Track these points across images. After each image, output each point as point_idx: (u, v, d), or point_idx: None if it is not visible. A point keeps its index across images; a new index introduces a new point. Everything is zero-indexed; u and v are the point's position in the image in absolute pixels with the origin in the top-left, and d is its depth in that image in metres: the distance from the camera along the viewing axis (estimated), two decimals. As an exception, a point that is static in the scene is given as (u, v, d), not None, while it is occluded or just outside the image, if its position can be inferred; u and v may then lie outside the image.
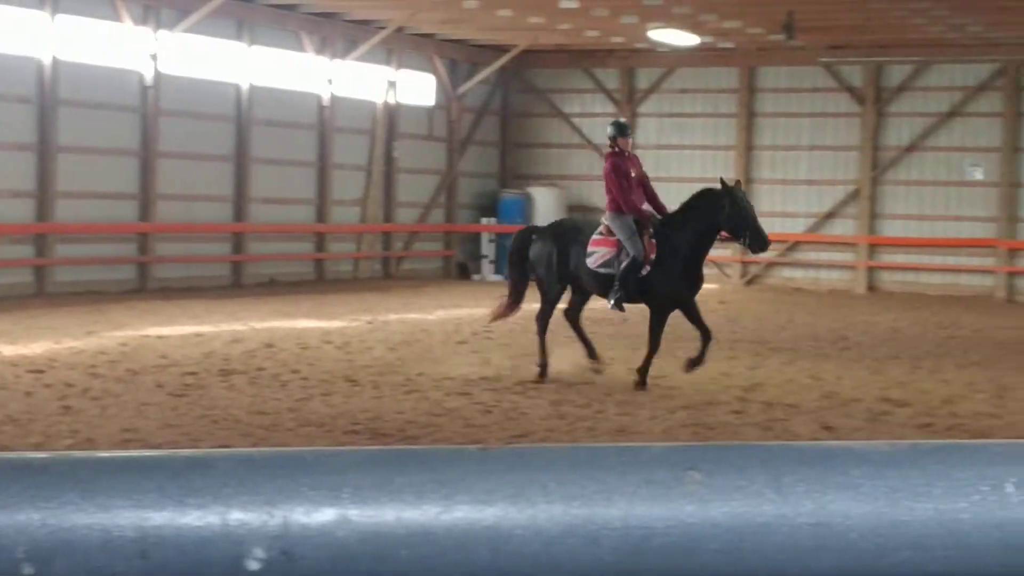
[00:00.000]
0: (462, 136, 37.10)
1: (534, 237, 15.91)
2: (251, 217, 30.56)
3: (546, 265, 15.53)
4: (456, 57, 36.27)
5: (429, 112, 36.12)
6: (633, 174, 14.96)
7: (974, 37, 31.57)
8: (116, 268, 27.61)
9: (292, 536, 1.71)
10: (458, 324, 22.15)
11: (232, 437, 11.44)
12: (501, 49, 35.57)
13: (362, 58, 32.74)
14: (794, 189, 34.67)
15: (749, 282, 34.63)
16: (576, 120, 37.73)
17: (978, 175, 33.59)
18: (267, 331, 19.94)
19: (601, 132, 37.31)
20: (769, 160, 35.16)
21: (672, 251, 14.70)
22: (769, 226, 16.91)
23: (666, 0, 27.54)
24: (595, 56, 36.70)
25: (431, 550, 1.74)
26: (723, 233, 14.78)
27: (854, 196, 34.62)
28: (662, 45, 34.17)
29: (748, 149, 35.56)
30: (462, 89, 36.54)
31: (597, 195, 37.46)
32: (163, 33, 27.75)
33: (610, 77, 37.26)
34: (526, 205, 36.45)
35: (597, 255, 15.03)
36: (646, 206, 14.96)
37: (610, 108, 37.24)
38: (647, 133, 36.46)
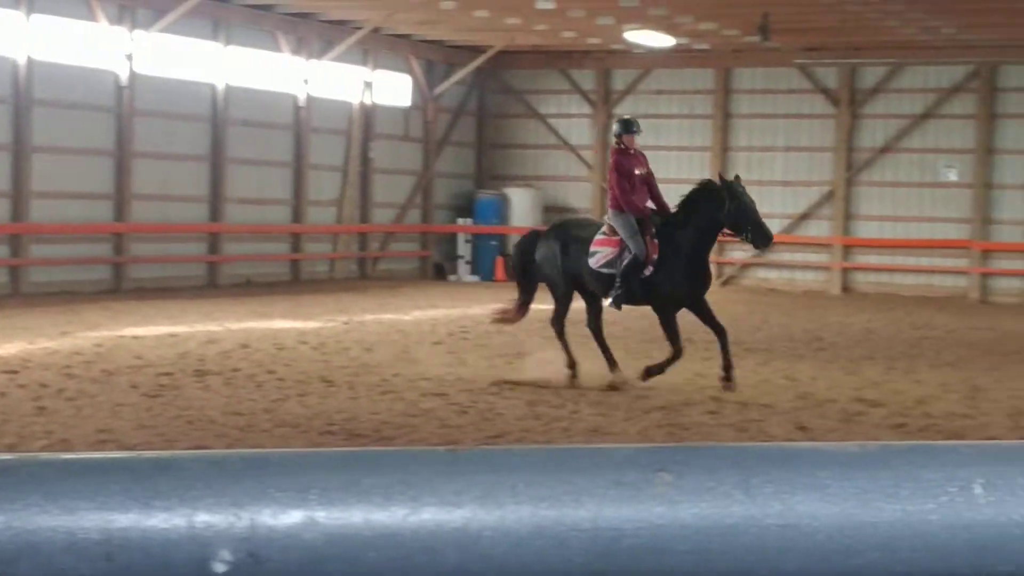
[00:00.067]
0: (438, 137, 37.10)
1: (539, 240, 15.66)
2: (227, 217, 30.50)
3: (551, 266, 15.31)
4: (432, 58, 36.26)
5: (405, 113, 36.10)
6: (638, 172, 14.74)
7: (948, 39, 31.70)
8: (91, 268, 27.53)
9: (259, 538, 1.70)
10: (434, 325, 22.15)
11: (207, 438, 11.41)
12: (477, 50, 35.58)
13: (338, 58, 32.71)
14: (769, 190, 34.71)
15: (724, 283, 34.69)
16: (552, 121, 37.77)
17: (952, 176, 33.74)
18: (243, 332, 19.90)
19: (577, 133, 37.53)
20: (744, 161, 35.22)
21: (675, 250, 14.49)
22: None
23: (642, 2, 27.57)
24: (571, 57, 36.74)
25: (399, 552, 1.73)
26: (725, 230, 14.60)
27: (829, 197, 34.73)
28: (638, 46, 34.22)
29: (724, 150, 35.65)
30: (438, 90, 36.53)
31: (573, 196, 37.58)
32: (138, 33, 27.68)
33: (586, 78, 37.31)
34: (502, 206, 36.47)
35: (600, 255, 14.82)
36: (649, 204, 14.75)
37: (586, 109, 37.31)
38: (623, 134, 36.48)
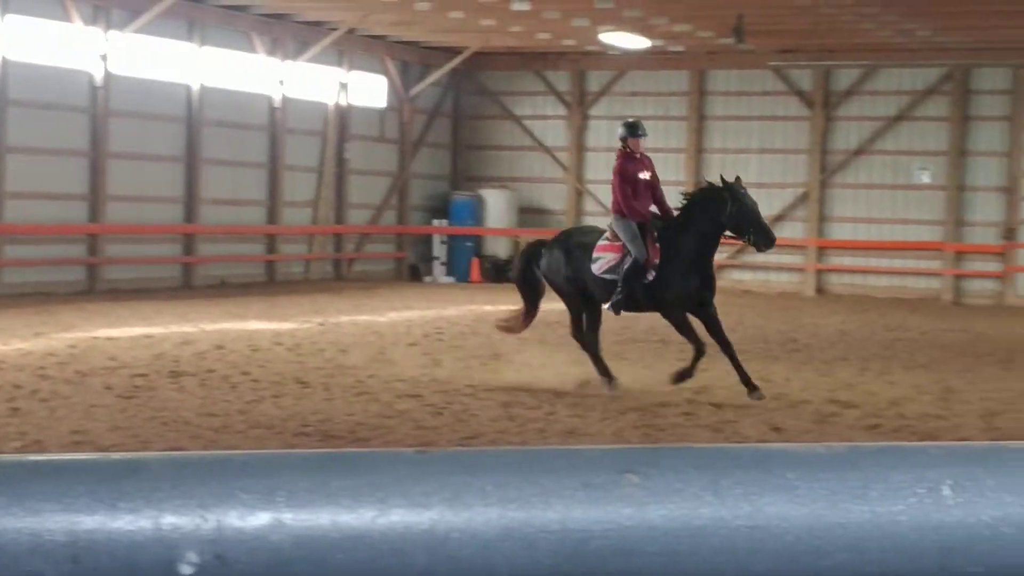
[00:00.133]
0: (414, 138, 37.06)
1: (543, 249, 15.35)
2: (202, 218, 30.42)
3: (557, 274, 15.02)
4: (408, 59, 36.23)
5: (381, 114, 36.06)
6: (643, 177, 14.51)
7: (922, 42, 31.81)
8: (65, 269, 27.42)
9: (226, 540, 1.70)
10: (409, 326, 22.12)
11: (181, 439, 11.37)
12: (453, 51, 35.56)
13: (313, 59, 32.65)
14: (744, 192, 34.78)
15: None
16: (527, 122, 37.77)
17: (926, 179, 33.86)
18: (217, 333, 19.84)
19: (553, 134, 37.54)
20: (719, 163, 35.22)
21: (677, 253, 14.24)
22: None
23: (617, 3, 27.59)
24: (546, 59, 36.75)
25: (367, 554, 1.73)
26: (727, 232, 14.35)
27: (803, 199, 34.81)
28: (613, 48, 34.24)
29: (698, 152, 35.70)
30: (414, 91, 36.50)
31: (548, 197, 37.59)
32: (113, 33, 27.59)
33: (561, 79, 37.32)
34: (477, 207, 36.45)
35: (602, 261, 14.54)
36: (653, 209, 14.50)
37: (561, 110, 37.32)
38: (598, 136, 36.59)
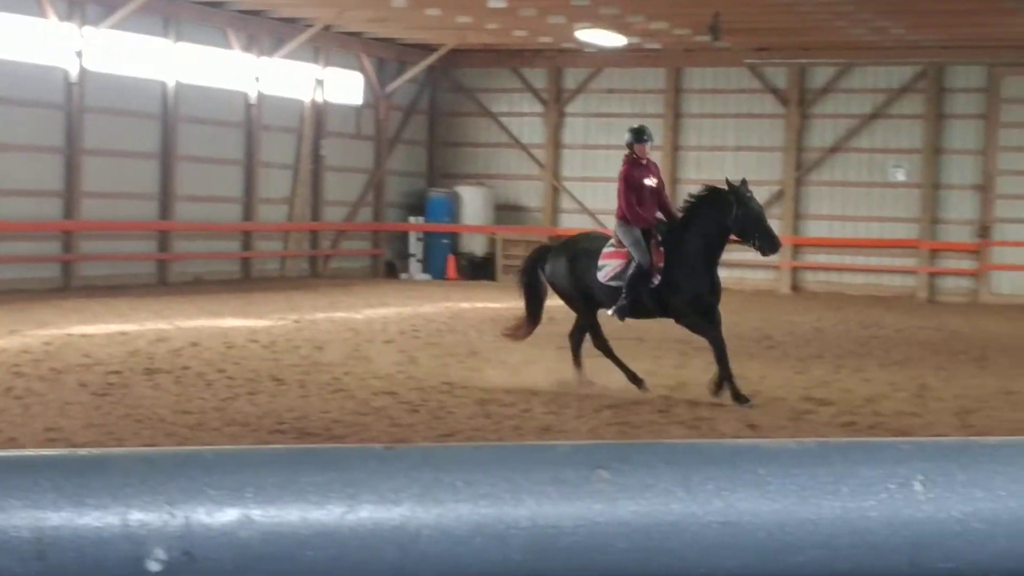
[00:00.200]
0: (390, 135, 37.02)
1: (548, 255, 15.22)
2: (177, 215, 30.33)
3: (563, 281, 14.88)
4: (384, 56, 36.18)
5: (357, 110, 36.01)
6: (648, 183, 14.32)
7: (896, 40, 31.91)
8: (40, 266, 27.32)
9: (194, 536, 1.69)
10: (385, 323, 22.10)
11: (156, 436, 11.34)
12: (429, 48, 35.53)
13: (289, 56, 32.59)
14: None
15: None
16: (504, 119, 37.76)
17: (900, 176, 33.96)
18: (193, 330, 19.79)
19: (529, 131, 37.53)
20: (695, 160, 35.34)
21: (681, 256, 14.08)
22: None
23: (593, 1, 27.61)
24: (523, 56, 36.74)
25: (336, 550, 1.72)
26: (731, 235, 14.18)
27: (778, 197, 34.87)
28: (589, 45, 34.25)
29: (674, 149, 35.73)
30: (390, 88, 36.45)
31: (525, 194, 37.58)
32: (88, 29, 27.49)
33: (538, 77, 37.32)
34: (454, 204, 36.42)
35: (608, 268, 14.40)
36: (659, 216, 14.33)
37: (538, 108, 37.32)
38: (574, 133, 36.61)
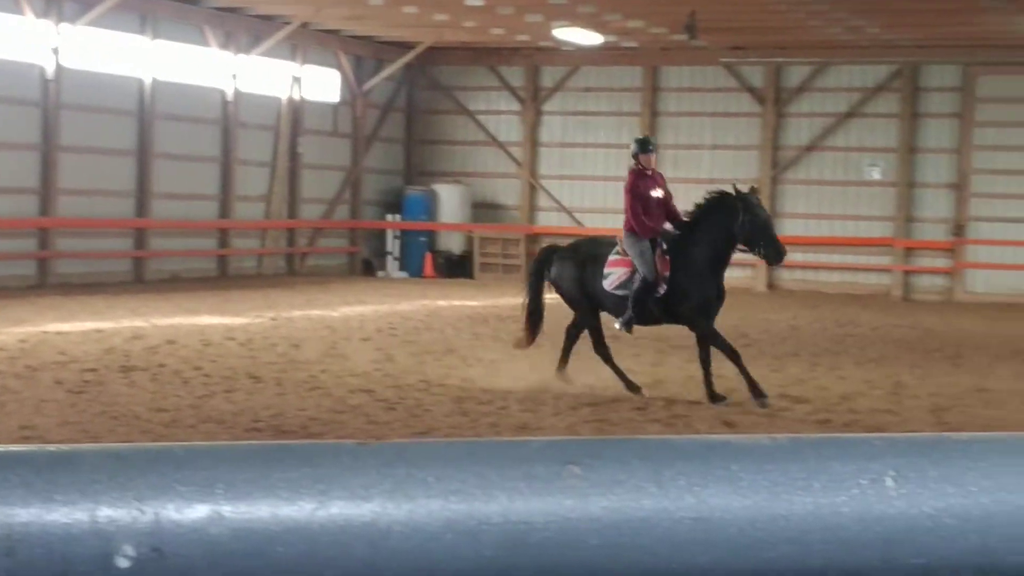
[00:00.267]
0: (367, 132, 36.98)
1: (554, 257, 15.13)
2: (153, 213, 30.25)
3: (569, 285, 14.80)
4: (361, 53, 36.14)
5: (334, 108, 35.96)
6: (655, 194, 14.20)
7: (871, 39, 32.00)
8: (16, 263, 27.21)
9: (163, 533, 1.68)
10: (362, 321, 22.07)
11: (132, 434, 11.31)
12: (406, 46, 35.50)
13: (267, 53, 32.53)
14: (696, 188, 34.76)
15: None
16: (481, 117, 37.75)
17: (876, 175, 34.07)
18: (169, 328, 19.74)
19: (506, 129, 37.53)
20: (672, 159, 35.34)
21: (689, 263, 13.99)
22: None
23: (571, -1, 27.64)
24: (500, 54, 36.74)
25: (307, 547, 1.71)
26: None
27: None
28: (566, 44, 34.27)
29: (652, 148, 35.72)
30: (367, 85, 36.41)
31: (502, 192, 37.58)
32: (65, 26, 27.39)
33: (515, 75, 37.32)
34: (431, 202, 36.40)
35: (613, 276, 14.30)
36: (667, 226, 14.21)
37: (515, 106, 37.32)
38: (551, 131, 36.63)
